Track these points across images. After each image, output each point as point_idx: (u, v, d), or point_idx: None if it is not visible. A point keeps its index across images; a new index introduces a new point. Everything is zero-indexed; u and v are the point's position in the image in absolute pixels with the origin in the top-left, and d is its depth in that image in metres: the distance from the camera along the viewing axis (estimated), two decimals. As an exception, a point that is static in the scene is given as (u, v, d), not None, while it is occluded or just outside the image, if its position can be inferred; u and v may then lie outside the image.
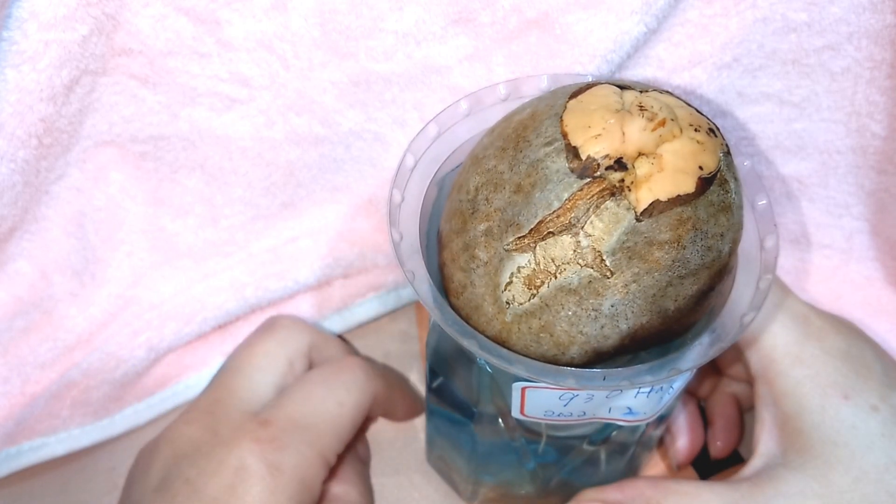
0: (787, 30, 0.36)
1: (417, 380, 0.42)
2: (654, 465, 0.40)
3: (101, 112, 0.37)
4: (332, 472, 0.36)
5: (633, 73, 0.37)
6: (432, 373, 0.34)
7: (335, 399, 0.35)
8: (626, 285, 0.26)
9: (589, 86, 0.28)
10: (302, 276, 0.41)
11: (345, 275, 0.42)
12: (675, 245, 0.26)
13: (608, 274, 0.26)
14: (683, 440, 0.39)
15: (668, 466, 0.40)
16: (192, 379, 0.41)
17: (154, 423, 0.41)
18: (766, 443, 0.33)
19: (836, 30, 0.35)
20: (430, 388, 0.35)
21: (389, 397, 0.38)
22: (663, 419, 0.35)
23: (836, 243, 0.42)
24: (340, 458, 0.36)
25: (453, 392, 0.34)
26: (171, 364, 0.41)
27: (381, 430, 0.41)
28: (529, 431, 0.33)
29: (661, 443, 0.40)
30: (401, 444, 0.41)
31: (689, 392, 0.41)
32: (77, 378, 0.39)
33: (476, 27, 0.36)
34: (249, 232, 0.41)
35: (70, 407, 0.39)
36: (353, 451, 0.38)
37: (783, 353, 0.33)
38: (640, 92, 0.27)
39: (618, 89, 0.27)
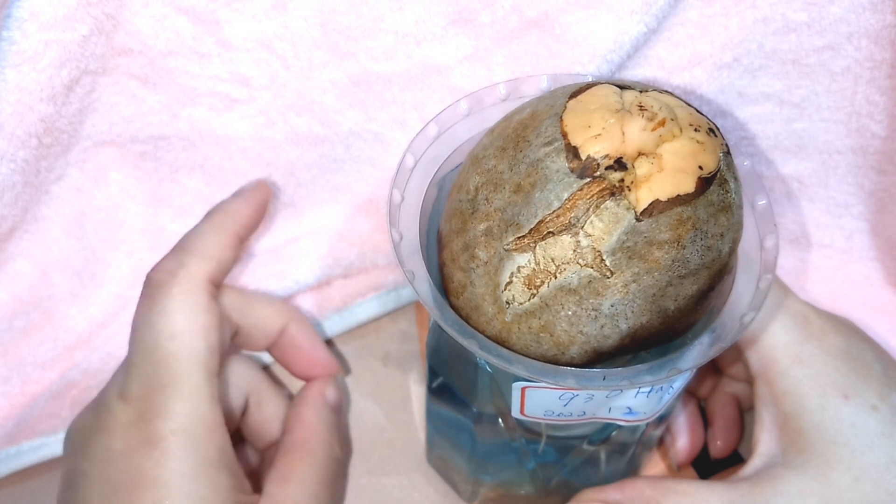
0: (787, 30, 0.36)
1: (418, 380, 0.42)
2: (654, 465, 0.40)
3: (101, 112, 0.37)
4: (295, 417, 0.36)
5: (633, 73, 0.37)
6: (432, 373, 0.34)
7: (166, 334, 0.32)
8: (626, 285, 0.26)
9: (589, 86, 0.28)
10: (302, 276, 0.41)
11: (345, 275, 0.42)
12: (675, 245, 0.26)
13: (608, 274, 0.26)
14: (683, 440, 0.39)
15: (668, 466, 0.40)
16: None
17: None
18: (765, 442, 0.33)
19: (836, 30, 0.35)
20: (430, 388, 0.35)
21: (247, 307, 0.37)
22: (663, 419, 0.35)
23: (836, 243, 0.42)
24: (301, 406, 0.36)
25: (453, 392, 0.34)
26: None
27: (381, 430, 0.41)
28: (529, 431, 0.33)
29: (661, 443, 0.40)
30: (401, 444, 0.41)
31: (689, 392, 0.41)
32: (77, 378, 0.39)
33: (476, 27, 0.36)
34: (249, 232, 0.41)
35: (70, 407, 0.39)
36: (315, 395, 0.37)
37: (783, 352, 0.33)
38: (640, 92, 0.27)
39: (618, 89, 0.27)
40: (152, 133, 0.38)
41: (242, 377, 0.36)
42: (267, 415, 0.37)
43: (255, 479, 0.37)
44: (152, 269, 0.34)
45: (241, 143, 0.39)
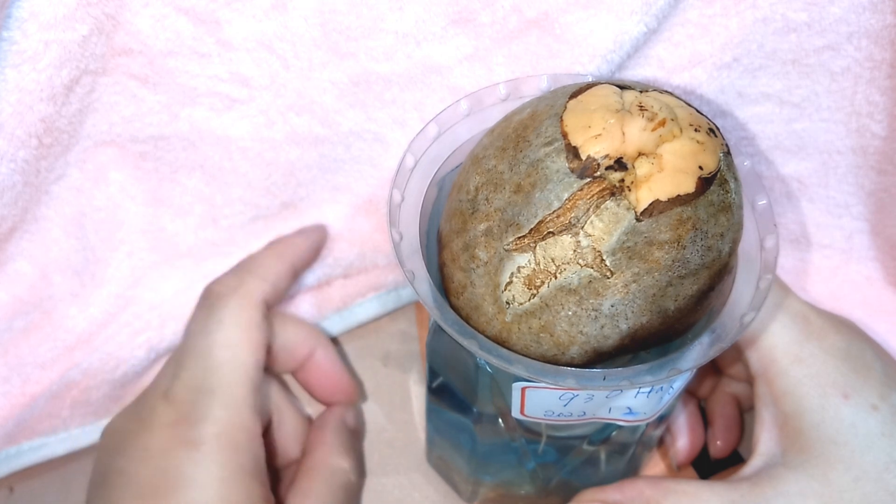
0: (787, 30, 0.36)
1: (417, 380, 0.42)
2: (654, 465, 0.40)
3: (101, 112, 0.37)
4: (317, 439, 0.36)
5: (633, 73, 0.37)
6: (432, 373, 0.34)
7: (220, 343, 0.34)
8: (626, 285, 0.26)
9: (589, 86, 0.28)
10: (302, 277, 0.41)
11: (345, 275, 0.42)
12: (675, 245, 0.26)
13: (608, 274, 0.26)
14: (683, 440, 0.39)
15: (668, 466, 0.40)
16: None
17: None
18: (765, 442, 0.33)
19: (836, 30, 0.35)
20: (430, 388, 0.35)
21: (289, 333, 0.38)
22: (663, 419, 0.35)
23: (836, 243, 0.42)
24: (323, 428, 0.37)
25: (453, 392, 0.34)
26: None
27: (381, 430, 0.41)
28: (529, 431, 0.33)
29: (661, 443, 0.40)
30: (401, 444, 0.41)
31: (689, 392, 0.41)
32: (77, 378, 0.39)
33: (476, 27, 0.36)
34: (249, 232, 0.41)
35: (70, 407, 0.39)
36: (336, 419, 0.38)
37: (783, 352, 0.33)
38: (640, 92, 0.27)
39: (618, 89, 0.27)
40: (152, 133, 0.38)
41: (266, 396, 0.37)
42: (287, 434, 0.38)
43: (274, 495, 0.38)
44: (213, 283, 0.36)
45: (241, 143, 0.39)
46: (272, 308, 0.37)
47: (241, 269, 0.37)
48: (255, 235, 0.41)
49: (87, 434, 0.40)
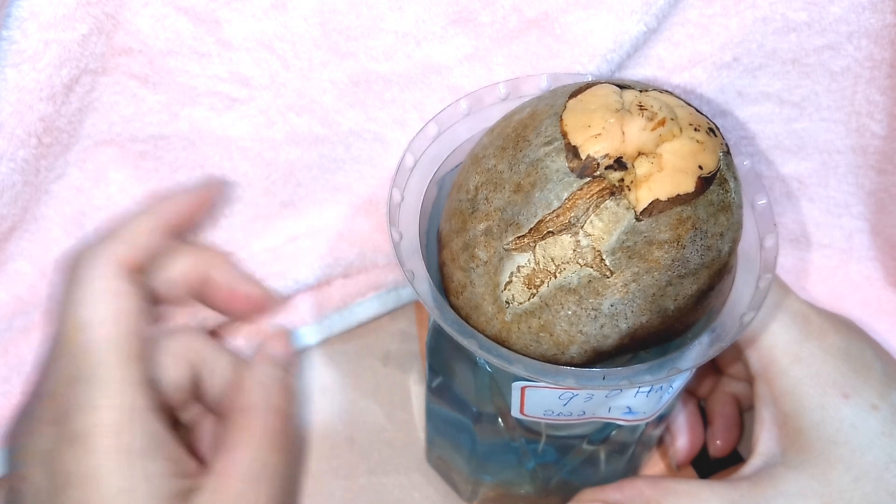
0: (787, 29, 0.36)
1: (417, 380, 0.42)
2: (654, 465, 0.40)
3: (100, 111, 0.37)
4: (237, 383, 0.34)
5: (633, 73, 0.37)
6: (432, 373, 0.34)
7: (81, 324, 0.31)
8: (626, 285, 0.26)
9: (589, 85, 0.28)
10: (302, 276, 0.41)
11: (345, 275, 0.42)
12: (675, 244, 0.26)
13: (608, 273, 0.26)
14: (683, 440, 0.39)
15: (668, 466, 0.40)
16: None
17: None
18: (765, 442, 0.33)
19: (836, 30, 0.35)
20: (430, 388, 0.35)
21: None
22: (663, 418, 0.35)
23: (836, 243, 0.42)
24: (242, 373, 0.35)
25: (453, 392, 0.34)
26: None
27: (381, 430, 0.41)
28: (529, 431, 0.33)
29: (661, 442, 0.40)
30: (401, 444, 0.41)
31: (689, 391, 0.41)
32: (77, 378, 0.39)
33: (476, 27, 0.36)
34: (249, 232, 0.41)
35: (70, 407, 0.39)
36: (260, 354, 0.36)
37: (783, 352, 0.33)
38: (640, 91, 0.27)
39: (618, 89, 0.27)
40: (152, 133, 0.38)
41: (184, 350, 0.35)
42: (220, 382, 0.35)
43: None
44: (63, 255, 0.33)
45: (241, 143, 0.39)
46: (142, 269, 0.34)
47: (99, 235, 0.34)
48: (255, 235, 0.41)
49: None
